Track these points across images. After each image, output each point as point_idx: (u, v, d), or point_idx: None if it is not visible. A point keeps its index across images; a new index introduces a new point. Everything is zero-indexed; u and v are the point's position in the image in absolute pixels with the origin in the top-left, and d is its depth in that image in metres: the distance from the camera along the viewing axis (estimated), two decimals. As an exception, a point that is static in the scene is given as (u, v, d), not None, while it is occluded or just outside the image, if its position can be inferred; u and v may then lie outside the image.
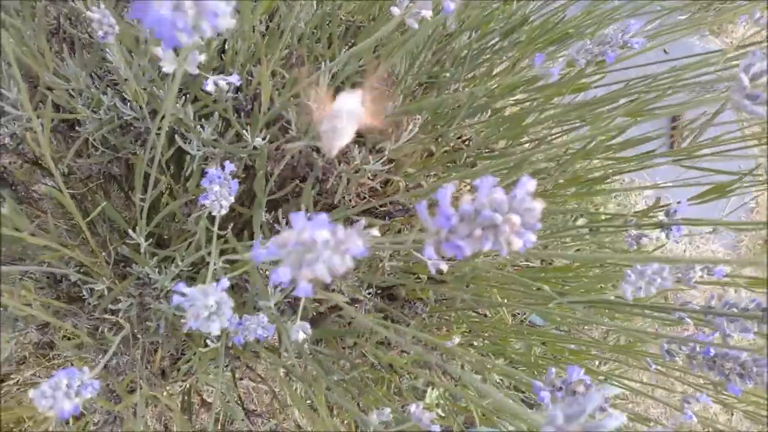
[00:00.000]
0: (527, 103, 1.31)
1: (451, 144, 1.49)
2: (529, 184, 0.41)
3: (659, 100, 1.27)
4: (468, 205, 0.42)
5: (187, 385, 1.74)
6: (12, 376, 2.03)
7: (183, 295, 0.64)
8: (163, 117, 0.78)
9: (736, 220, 2.69)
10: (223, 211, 0.80)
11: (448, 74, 1.37)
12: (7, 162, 1.93)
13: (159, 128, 1.08)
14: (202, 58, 0.67)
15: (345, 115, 0.58)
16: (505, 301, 1.23)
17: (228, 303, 0.64)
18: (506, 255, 0.43)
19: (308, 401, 1.35)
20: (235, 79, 0.79)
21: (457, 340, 0.82)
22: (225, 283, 0.67)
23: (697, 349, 0.68)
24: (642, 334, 0.87)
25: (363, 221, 0.58)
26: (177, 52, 0.67)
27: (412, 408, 0.71)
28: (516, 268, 1.62)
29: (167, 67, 0.66)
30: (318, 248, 0.40)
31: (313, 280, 0.43)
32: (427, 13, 0.59)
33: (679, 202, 0.81)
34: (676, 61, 1.39)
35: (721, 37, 3.25)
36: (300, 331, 0.74)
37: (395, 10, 0.59)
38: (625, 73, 1.46)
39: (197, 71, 0.67)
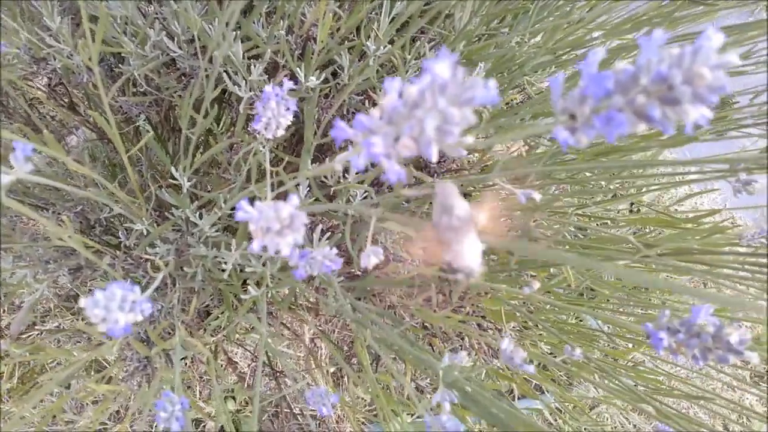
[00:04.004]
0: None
1: (507, 103, 1.42)
2: (715, 36, 0.32)
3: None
4: (628, 68, 0.34)
5: (214, 345, 1.71)
6: (36, 326, 2.01)
7: (247, 212, 0.58)
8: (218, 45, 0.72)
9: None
10: (280, 132, 0.73)
11: (509, 27, 1.30)
12: (43, 109, 1.89)
13: (211, 59, 1.03)
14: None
15: (456, 211, 0.47)
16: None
17: (302, 217, 0.58)
18: (670, 133, 0.34)
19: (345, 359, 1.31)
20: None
21: (537, 285, 0.75)
22: (294, 199, 0.61)
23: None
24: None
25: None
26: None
27: (503, 344, 0.65)
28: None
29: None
30: (429, 100, 0.31)
31: (414, 152, 0.34)
32: None
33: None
34: None
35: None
36: (371, 256, 0.67)
37: None
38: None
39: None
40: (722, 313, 0.90)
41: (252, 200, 1.15)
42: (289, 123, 0.78)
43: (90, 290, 1.57)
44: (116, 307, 0.51)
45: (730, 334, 0.45)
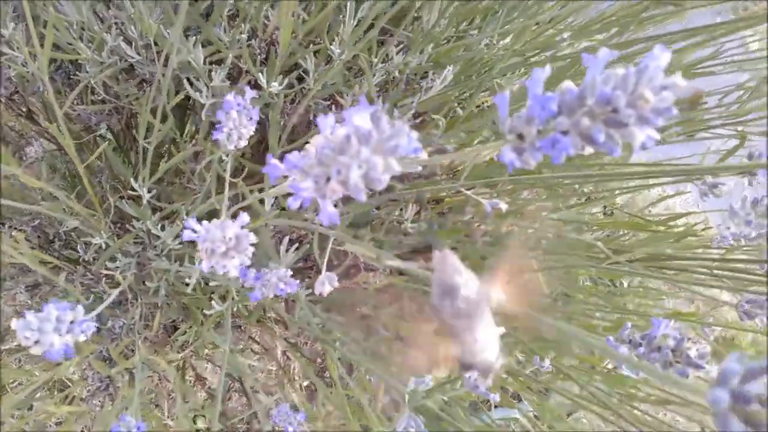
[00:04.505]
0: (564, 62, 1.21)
1: (477, 106, 1.40)
2: (662, 55, 0.30)
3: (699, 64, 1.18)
4: (572, 88, 0.32)
5: (182, 361, 1.65)
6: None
7: (195, 231, 0.55)
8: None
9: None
10: (242, 143, 0.70)
11: (478, 29, 1.28)
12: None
13: (166, 63, 0.98)
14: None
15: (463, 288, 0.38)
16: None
17: (248, 237, 0.55)
18: (619, 155, 0.32)
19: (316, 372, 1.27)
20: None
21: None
22: (245, 217, 0.58)
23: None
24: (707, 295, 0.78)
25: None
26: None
27: (467, 374, 0.61)
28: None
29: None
30: (353, 148, 0.30)
31: (342, 198, 0.33)
32: None
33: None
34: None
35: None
36: (326, 284, 0.65)
37: None
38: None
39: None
40: (691, 318, 0.89)
41: (211, 215, 1.09)
42: (252, 133, 0.75)
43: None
44: (51, 329, 0.47)
45: (689, 348, 0.43)
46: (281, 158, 1.05)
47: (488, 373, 0.39)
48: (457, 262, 0.38)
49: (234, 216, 0.62)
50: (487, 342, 0.38)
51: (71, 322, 0.51)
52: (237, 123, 0.70)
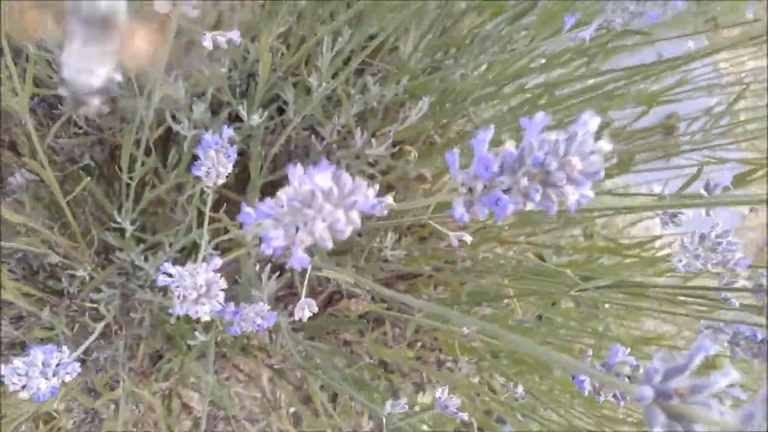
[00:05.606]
0: (538, 90, 1.25)
1: (454, 133, 1.43)
2: (591, 121, 0.33)
3: (674, 87, 1.22)
4: (512, 150, 0.35)
5: (167, 389, 1.65)
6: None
7: (169, 275, 0.57)
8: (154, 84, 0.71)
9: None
10: (220, 181, 0.72)
11: (453, 59, 1.32)
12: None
13: (149, 95, 1.00)
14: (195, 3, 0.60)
15: None
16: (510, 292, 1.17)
17: (219, 283, 0.57)
18: (554, 213, 0.35)
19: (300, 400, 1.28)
20: (235, 35, 0.72)
21: (474, 326, 0.75)
22: (217, 262, 0.60)
23: (742, 332, 0.62)
24: (675, 316, 0.81)
25: (372, 185, 0.51)
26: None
27: (437, 393, 0.63)
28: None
29: (160, 6, 0.58)
30: (318, 202, 0.33)
31: (311, 247, 0.36)
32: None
33: (719, 179, 0.75)
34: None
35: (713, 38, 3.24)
36: (305, 309, 0.66)
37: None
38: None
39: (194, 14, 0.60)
40: (661, 342, 0.91)
41: (193, 248, 1.12)
42: (230, 170, 0.77)
43: (39, 339, 1.51)
44: (38, 373, 0.49)
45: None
46: (263, 193, 1.08)
47: (79, 99, 0.38)
48: None
49: (211, 254, 0.64)
50: (95, 66, 0.37)
51: (57, 365, 0.52)
52: (215, 162, 0.73)
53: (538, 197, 0.31)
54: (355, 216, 0.33)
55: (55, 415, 1.77)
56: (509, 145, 0.32)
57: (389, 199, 0.52)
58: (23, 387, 0.48)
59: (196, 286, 0.47)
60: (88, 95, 0.34)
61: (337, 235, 0.34)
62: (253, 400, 1.70)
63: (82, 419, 1.31)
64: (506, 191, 0.34)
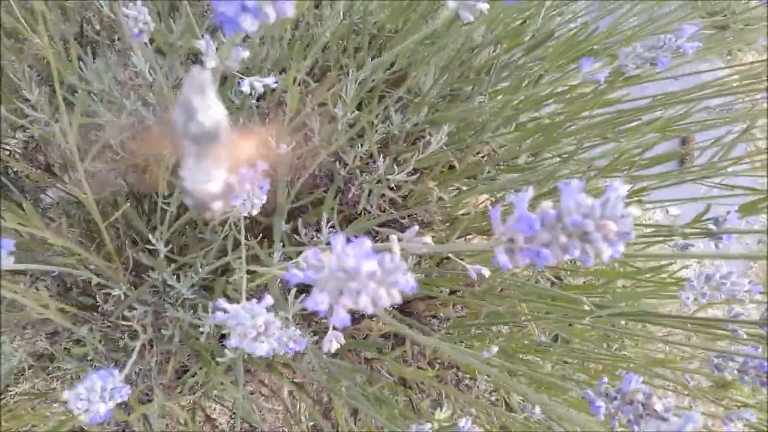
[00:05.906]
0: (554, 118, 1.29)
1: (472, 158, 1.48)
2: (621, 188, 0.38)
3: (684, 118, 1.26)
4: (550, 210, 0.40)
5: (192, 402, 1.71)
6: (9, 388, 1.99)
7: (225, 311, 0.61)
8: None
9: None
10: (255, 211, 0.77)
11: (472, 87, 1.36)
12: (18, 170, 1.91)
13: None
14: (246, 54, 0.66)
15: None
16: (527, 314, 1.21)
17: (275, 324, 0.62)
18: (591, 264, 0.40)
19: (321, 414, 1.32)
20: (271, 81, 0.77)
21: (495, 349, 0.79)
22: (269, 300, 0.64)
23: (751, 363, 0.66)
24: (684, 347, 0.85)
25: (416, 227, 0.55)
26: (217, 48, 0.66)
27: (461, 423, 0.68)
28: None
29: (209, 63, 0.64)
30: (362, 279, 0.36)
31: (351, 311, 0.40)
32: (484, 6, 0.56)
33: (728, 212, 0.79)
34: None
35: (730, 62, 3.26)
36: (333, 341, 0.71)
37: (451, 3, 0.57)
38: (635, 103, 1.45)
39: (237, 66, 0.65)
40: (672, 365, 0.95)
41: (225, 271, 1.18)
42: (264, 202, 0.82)
43: (67, 351, 1.57)
44: (98, 398, 0.54)
45: (655, 403, 0.49)
46: (290, 216, 1.11)
47: (202, 206, 0.40)
48: (206, 84, 0.35)
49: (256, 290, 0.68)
50: (210, 176, 0.38)
51: (112, 389, 0.57)
52: (250, 194, 0.78)
53: (577, 253, 0.36)
54: (396, 293, 0.37)
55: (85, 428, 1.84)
56: (547, 205, 0.37)
57: (428, 239, 0.56)
58: (86, 411, 0.53)
59: (255, 326, 0.52)
60: (210, 200, 0.37)
61: (378, 306, 0.38)
62: (274, 414, 1.75)
63: (114, 431, 1.37)
64: (545, 245, 0.39)
